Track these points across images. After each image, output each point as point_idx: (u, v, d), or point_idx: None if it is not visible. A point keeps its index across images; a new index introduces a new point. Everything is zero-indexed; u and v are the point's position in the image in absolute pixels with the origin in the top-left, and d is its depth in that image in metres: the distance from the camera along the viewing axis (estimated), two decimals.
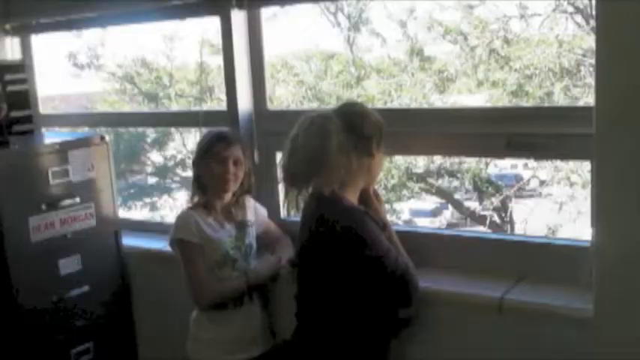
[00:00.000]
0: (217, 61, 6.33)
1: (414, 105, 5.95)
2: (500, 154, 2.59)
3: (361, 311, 2.19)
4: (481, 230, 6.49)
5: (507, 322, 2.23)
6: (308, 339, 2.30)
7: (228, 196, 2.57)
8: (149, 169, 6.94)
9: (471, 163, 6.47)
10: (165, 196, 6.78)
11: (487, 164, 6.64)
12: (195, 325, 2.62)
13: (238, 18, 2.80)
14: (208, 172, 2.54)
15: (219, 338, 2.57)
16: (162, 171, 6.77)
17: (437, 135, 2.50)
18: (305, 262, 2.32)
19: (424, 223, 7.60)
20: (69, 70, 6.17)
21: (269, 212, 2.80)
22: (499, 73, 5.96)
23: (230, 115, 2.85)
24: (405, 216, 7.49)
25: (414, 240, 2.48)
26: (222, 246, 2.53)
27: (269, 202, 2.84)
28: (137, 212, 6.57)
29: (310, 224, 2.25)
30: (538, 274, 2.33)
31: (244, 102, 2.84)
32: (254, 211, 2.67)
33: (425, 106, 5.96)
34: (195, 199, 2.60)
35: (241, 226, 2.59)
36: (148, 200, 6.79)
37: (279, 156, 2.84)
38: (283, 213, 2.87)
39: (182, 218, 2.57)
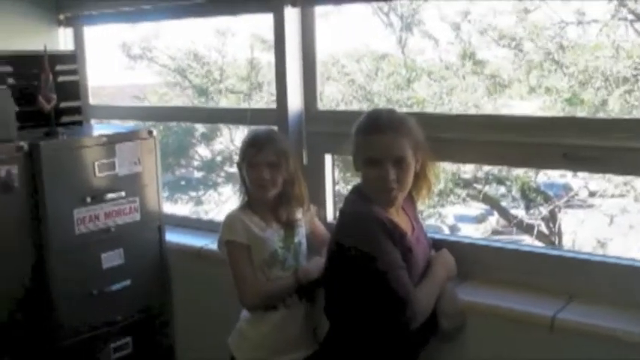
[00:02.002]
0: (268, 58, 6.32)
1: (466, 110, 5.85)
2: (556, 166, 2.48)
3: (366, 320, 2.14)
4: (528, 241, 6.36)
5: (558, 341, 2.14)
6: (334, 343, 2.27)
7: (270, 199, 2.52)
8: (196, 164, 6.94)
9: (520, 170, 6.34)
10: (210, 191, 6.78)
11: (537, 172, 6.49)
12: (245, 324, 2.57)
13: (292, 15, 2.75)
14: (247, 177, 2.50)
15: (267, 338, 2.53)
16: (209, 166, 6.77)
17: (490, 143, 2.41)
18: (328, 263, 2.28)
19: (468, 229, 7.49)
20: (121, 61, 6.21)
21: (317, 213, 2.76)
22: (553, 80, 5.82)
23: (279, 114, 2.80)
24: (450, 221, 7.39)
25: (461, 250, 2.41)
26: (271, 245, 2.48)
27: (316, 203, 2.79)
28: (182, 206, 6.58)
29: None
30: (591, 293, 2.24)
31: (294, 101, 2.79)
32: (305, 210, 2.61)
33: (478, 112, 5.85)
34: (243, 200, 2.56)
35: (289, 225, 2.54)
36: (193, 194, 6.79)
37: (327, 157, 2.80)
38: (330, 215, 2.82)
39: (229, 219, 2.52)
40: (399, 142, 2.10)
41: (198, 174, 7.08)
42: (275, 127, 2.74)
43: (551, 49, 5.69)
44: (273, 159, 2.45)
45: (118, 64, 6.27)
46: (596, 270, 2.28)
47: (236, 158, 2.61)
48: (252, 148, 2.47)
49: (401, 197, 2.19)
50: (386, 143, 2.10)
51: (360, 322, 2.16)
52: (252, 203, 2.53)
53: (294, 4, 2.72)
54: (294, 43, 2.77)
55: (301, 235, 2.57)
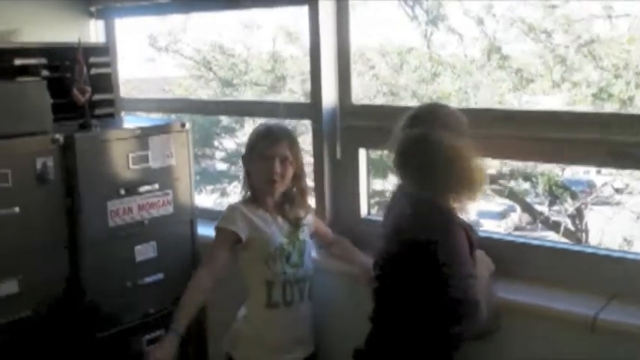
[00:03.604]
0: (292, 51, 6.32)
1: (493, 105, 5.80)
2: (603, 164, 2.44)
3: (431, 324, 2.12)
4: (552, 238, 6.31)
5: (600, 342, 2.11)
6: (383, 347, 2.24)
7: (277, 194, 2.50)
8: (220, 155, 6.97)
9: (545, 166, 6.29)
10: (235, 182, 6.79)
11: (563, 169, 6.45)
12: (242, 322, 2.57)
13: (326, 8, 2.72)
14: (255, 170, 2.48)
15: (264, 337, 2.52)
16: (233, 157, 6.78)
17: (533, 140, 2.37)
18: (389, 266, 2.23)
19: (491, 225, 7.44)
20: (146, 53, 6.23)
21: (350, 209, 2.73)
22: (582, 74, 5.77)
23: (313, 108, 2.78)
24: (472, 217, 7.34)
25: (497, 248, 2.39)
26: (275, 239, 2.46)
27: (350, 199, 2.78)
28: (206, 197, 6.59)
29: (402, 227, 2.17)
30: (631, 292, 2.20)
31: (328, 95, 2.77)
32: (307, 208, 2.60)
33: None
34: (246, 194, 2.55)
35: (295, 222, 2.52)
36: (218, 186, 6.81)
37: (362, 152, 2.78)
38: (364, 211, 2.80)
39: (229, 209, 2.53)
40: None
41: (221, 165, 7.10)
42: (276, 123, 2.70)
43: (581, 42, 5.63)
44: (287, 153, 2.44)
45: (142, 57, 6.29)
46: (633, 268, 2.24)
47: None
48: (266, 140, 2.45)
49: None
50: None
51: (409, 328, 2.14)
52: (257, 197, 2.51)
53: None
54: (329, 36, 2.75)
55: (306, 233, 2.55)
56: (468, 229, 2.12)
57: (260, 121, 3.21)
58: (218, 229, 2.48)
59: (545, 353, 2.22)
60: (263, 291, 2.49)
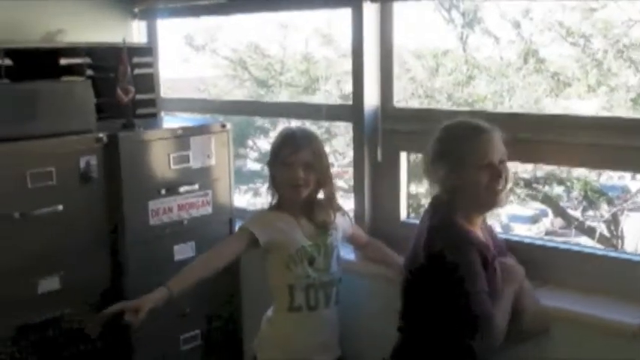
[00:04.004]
0: (326, 53, 6.32)
1: (529, 109, 5.75)
2: None
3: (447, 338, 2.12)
4: (586, 243, 6.23)
5: None
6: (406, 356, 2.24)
7: (302, 198, 2.48)
8: (253, 154, 6.97)
9: (581, 170, 6.21)
10: (267, 183, 6.79)
11: (600, 174, 6.35)
12: (268, 324, 2.58)
13: (370, 11, 2.72)
14: (279, 176, 2.48)
15: (288, 341, 2.52)
16: (266, 157, 6.78)
17: (569, 144, 2.34)
18: (413, 277, 2.23)
19: (522, 230, 7.36)
20: (182, 53, 6.25)
21: (389, 212, 2.72)
22: (620, 79, 5.69)
23: (355, 110, 2.78)
24: (503, 221, 7.27)
25: (533, 253, 2.38)
26: (297, 241, 2.46)
27: (390, 202, 2.77)
28: (240, 197, 6.60)
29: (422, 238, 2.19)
30: None
31: (371, 97, 2.76)
32: (338, 214, 2.57)
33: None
34: (272, 199, 2.55)
35: (321, 225, 2.51)
36: (251, 185, 6.82)
37: (403, 155, 2.76)
38: (403, 214, 2.79)
39: (257, 212, 2.61)
40: (501, 142, 2.17)
41: (254, 165, 7.10)
42: (299, 128, 2.71)
43: (620, 46, 5.55)
44: (310, 159, 2.43)
45: (179, 56, 6.32)
46: None
47: None
48: (289, 147, 2.44)
49: (506, 199, 2.20)
50: (495, 143, 2.15)
51: (435, 340, 2.13)
52: (282, 201, 2.51)
53: (373, 0, 2.69)
54: (371, 39, 2.74)
55: (334, 238, 2.53)
56: (481, 246, 2.11)
57: (297, 123, 3.22)
58: (239, 228, 2.53)
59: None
60: (285, 294, 2.48)
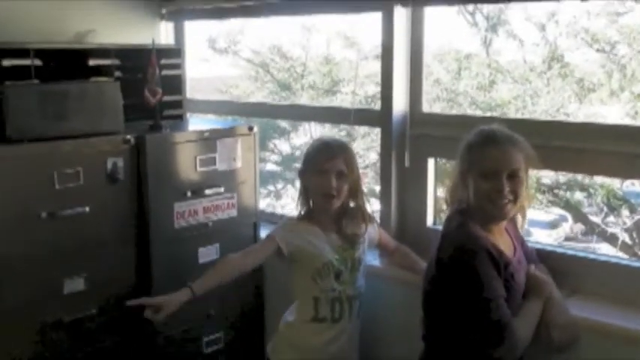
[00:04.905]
0: (347, 55, 6.30)
1: (553, 115, 5.71)
2: None
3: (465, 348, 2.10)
4: (606, 251, 6.17)
5: None
6: None
7: (334, 208, 2.47)
8: (274, 157, 6.96)
9: (604, 178, 6.15)
10: (289, 186, 6.78)
11: (623, 181, 6.29)
12: (286, 328, 2.57)
13: (400, 15, 2.70)
14: (312, 185, 2.47)
15: (305, 347, 2.51)
16: (288, 160, 6.77)
17: (593, 152, 2.32)
18: (430, 285, 2.21)
19: (541, 235, 7.31)
20: (205, 55, 6.26)
21: (416, 218, 2.70)
22: None
23: (384, 115, 2.76)
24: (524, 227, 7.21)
25: (560, 262, 2.36)
26: (325, 255, 2.44)
27: (417, 207, 2.75)
28: (262, 200, 6.61)
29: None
30: None
31: (399, 102, 2.74)
32: (367, 224, 2.55)
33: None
34: (302, 209, 2.53)
35: (351, 238, 2.49)
36: (272, 188, 6.82)
37: (430, 161, 2.74)
38: (430, 220, 2.77)
39: (286, 221, 2.56)
40: (516, 155, 2.10)
41: (274, 167, 7.10)
42: (332, 138, 2.69)
43: None
44: (343, 168, 2.42)
45: (200, 58, 6.32)
46: None
47: None
48: (323, 155, 2.43)
49: (513, 211, 2.15)
50: (502, 155, 2.09)
51: (458, 350, 2.12)
52: (313, 214, 2.50)
53: (404, 4, 2.67)
54: (402, 44, 2.72)
55: (362, 251, 2.51)
56: (493, 251, 2.07)
57: (320, 126, 3.21)
58: (267, 235, 2.51)
59: None
60: (310, 305, 2.48)
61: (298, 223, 2.51)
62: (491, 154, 2.10)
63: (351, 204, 2.51)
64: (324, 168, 2.42)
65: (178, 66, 3.23)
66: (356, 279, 2.50)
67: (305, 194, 2.52)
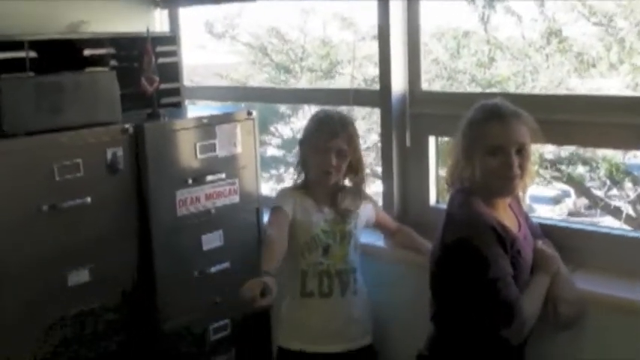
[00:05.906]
0: (345, 36, 6.26)
1: (553, 89, 5.68)
2: None
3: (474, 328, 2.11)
4: (609, 224, 6.15)
5: None
6: (440, 348, 2.22)
7: (330, 184, 2.46)
8: (274, 141, 6.94)
9: (606, 150, 6.13)
10: (290, 169, 6.77)
11: (625, 153, 6.26)
12: (285, 310, 2.57)
13: None
14: (311, 160, 2.45)
15: (301, 325, 2.52)
16: (288, 144, 6.75)
17: (594, 124, 2.32)
18: (436, 266, 2.21)
19: (544, 211, 7.30)
20: (202, 40, 6.22)
21: (419, 197, 2.69)
22: None
23: (383, 95, 2.74)
24: (525, 202, 7.20)
25: (564, 236, 2.35)
26: (312, 229, 2.44)
27: (418, 186, 2.74)
28: (263, 184, 6.59)
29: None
30: None
31: (398, 82, 2.72)
32: (364, 201, 2.54)
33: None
34: (298, 180, 2.53)
35: (343, 213, 2.48)
36: (274, 172, 6.80)
37: (431, 140, 2.73)
38: (433, 199, 2.76)
39: (281, 191, 2.55)
40: (522, 129, 2.08)
41: (274, 151, 7.07)
42: (335, 111, 2.65)
43: None
44: (344, 147, 2.40)
45: (197, 44, 6.28)
46: None
47: None
48: (325, 133, 2.41)
49: (520, 187, 2.13)
50: (509, 130, 2.06)
51: (467, 330, 2.12)
52: (308, 184, 2.49)
53: None
54: (398, 23, 2.70)
55: (354, 225, 2.50)
56: (498, 228, 2.06)
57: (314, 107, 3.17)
58: (277, 209, 2.45)
59: (624, 348, 2.16)
60: (298, 280, 2.49)
61: (293, 191, 2.50)
62: (497, 130, 2.07)
63: (350, 180, 2.49)
64: (325, 147, 2.40)
65: (174, 53, 3.21)
66: (346, 253, 2.48)
67: (303, 165, 2.50)
